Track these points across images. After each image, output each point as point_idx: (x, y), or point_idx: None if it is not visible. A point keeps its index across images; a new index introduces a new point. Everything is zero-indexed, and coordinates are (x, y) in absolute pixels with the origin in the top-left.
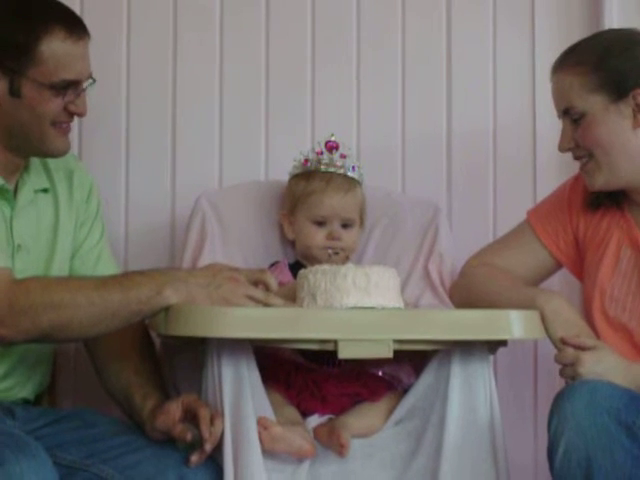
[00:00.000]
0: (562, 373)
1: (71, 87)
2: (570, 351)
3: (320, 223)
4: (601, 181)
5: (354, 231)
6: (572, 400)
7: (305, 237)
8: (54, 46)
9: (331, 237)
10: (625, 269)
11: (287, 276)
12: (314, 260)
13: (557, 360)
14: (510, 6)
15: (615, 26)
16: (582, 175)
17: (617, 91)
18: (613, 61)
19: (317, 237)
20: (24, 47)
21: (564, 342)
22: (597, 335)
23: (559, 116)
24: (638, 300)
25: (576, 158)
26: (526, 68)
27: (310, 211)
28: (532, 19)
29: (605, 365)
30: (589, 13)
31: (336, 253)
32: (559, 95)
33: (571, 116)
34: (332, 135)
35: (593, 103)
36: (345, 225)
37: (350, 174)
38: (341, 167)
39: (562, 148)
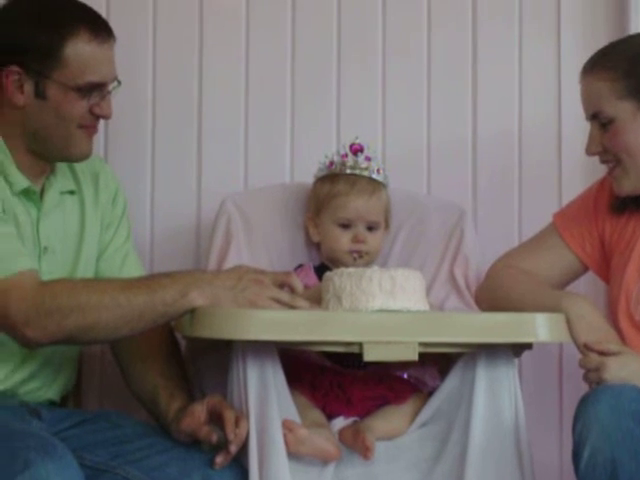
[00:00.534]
0: (586, 378)
1: (96, 89)
2: (594, 356)
3: (345, 226)
4: (629, 186)
5: (379, 234)
6: (597, 404)
7: (330, 240)
8: (79, 48)
9: (356, 240)
10: None
11: (312, 279)
12: (339, 263)
13: (581, 365)
14: (536, 10)
15: None
16: (610, 180)
17: None
18: None
19: (342, 240)
20: (49, 49)
21: (588, 348)
22: (622, 338)
23: (587, 119)
24: None
25: (603, 162)
26: (552, 72)
27: (335, 214)
28: (558, 23)
29: (630, 370)
30: (614, 16)
31: (360, 257)
32: (588, 99)
33: (600, 120)
34: (357, 138)
35: (622, 109)
36: (370, 228)
37: (375, 177)
38: (365, 169)
39: (589, 152)
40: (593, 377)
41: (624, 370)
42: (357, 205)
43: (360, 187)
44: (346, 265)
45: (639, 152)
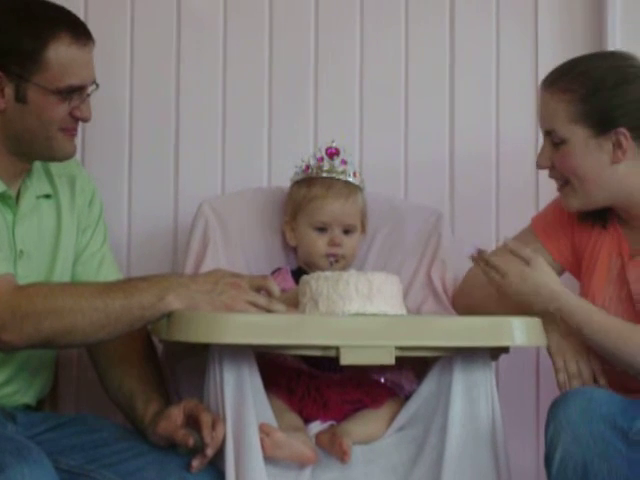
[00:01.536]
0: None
1: (76, 92)
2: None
3: (321, 229)
4: (576, 204)
5: (355, 237)
6: (567, 408)
7: (306, 244)
8: (60, 52)
9: (332, 243)
10: (615, 278)
11: (290, 282)
12: (315, 267)
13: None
14: (513, 24)
15: (618, 45)
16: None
17: (600, 126)
18: (601, 96)
19: (318, 243)
20: (30, 53)
21: (511, 249)
22: None
23: (542, 132)
24: (626, 309)
25: (551, 177)
26: (529, 75)
27: (311, 217)
28: (535, 38)
29: (529, 284)
30: (592, 35)
31: (337, 261)
32: (543, 115)
33: (552, 138)
34: (332, 141)
35: (574, 133)
36: (346, 231)
37: (351, 180)
38: (342, 173)
39: (540, 165)
40: (493, 276)
41: (524, 283)
42: (333, 208)
43: (336, 190)
44: (322, 269)
45: (587, 176)
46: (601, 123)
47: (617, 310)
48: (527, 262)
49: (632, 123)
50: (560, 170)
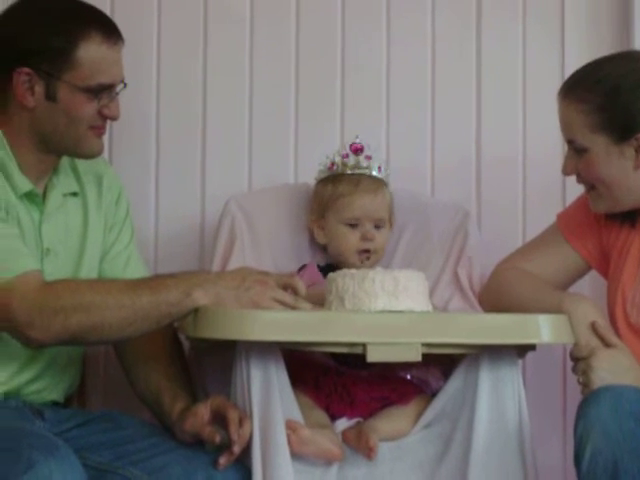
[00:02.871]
0: (574, 369)
1: (106, 91)
2: (586, 346)
3: (352, 225)
4: (604, 208)
5: (385, 232)
6: (597, 405)
7: (338, 240)
8: (91, 50)
9: (365, 237)
10: None
11: (317, 276)
12: (346, 264)
13: (572, 354)
14: (539, 25)
15: None
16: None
17: (620, 133)
18: (618, 104)
19: (351, 239)
20: (61, 51)
21: (594, 327)
22: (620, 339)
23: (565, 140)
24: None
25: (578, 182)
26: (556, 75)
27: (342, 214)
28: (562, 39)
29: (618, 365)
30: (619, 36)
31: (368, 258)
32: (563, 124)
33: (574, 147)
34: (357, 137)
35: (595, 142)
36: (377, 226)
37: (376, 174)
38: (367, 168)
39: (565, 173)
40: (581, 365)
41: (612, 363)
42: (363, 203)
43: (364, 186)
44: (354, 266)
45: (612, 183)
46: (621, 130)
47: None
48: (610, 346)
49: None
50: (585, 178)
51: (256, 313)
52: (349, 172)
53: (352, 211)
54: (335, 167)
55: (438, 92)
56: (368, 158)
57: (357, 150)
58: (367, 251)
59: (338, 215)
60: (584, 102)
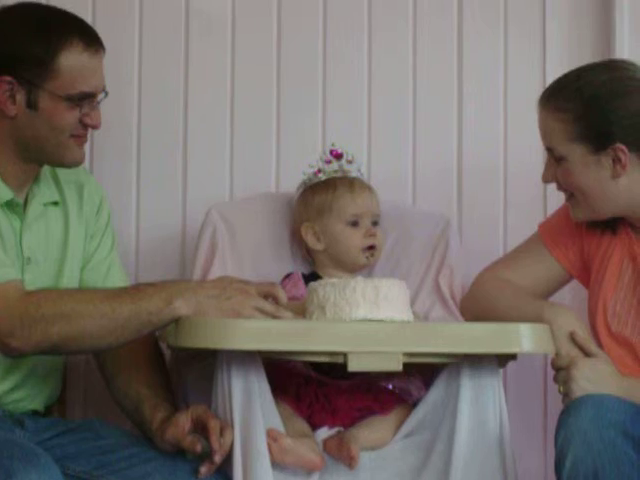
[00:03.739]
0: (556, 378)
1: (87, 99)
2: (566, 355)
3: (354, 224)
4: (583, 216)
5: (381, 229)
6: (578, 414)
7: (342, 241)
8: (72, 59)
9: (368, 234)
10: (627, 284)
11: (301, 289)
12: (351, 265)
13: (553, 364)
14: (521, 34)
15: (626, 54)
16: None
17: (598, 143)
18: (595, 115)
19: (355, 237)
20: (42, 60)
21: (573, 337)
22: (600, 348)
23: (544, 148)
24: (638, 314)
25: (559, 190)
26: (537, 84)
27: (343, 214)
28: (543, 48)
29: (599, 373)
30: (600, 45)
31: (372, 255)
32: (543, 132)
33: (553, 155)
34: (333, 144)
35: (573, 151)
36: (375, 222)
37: (358, 175)
38: (350, 171)
39: (545, 180)
40: (562, 375)
41: (593, 373)
42: (362, 200)
43: (358, 185)
44: (359, 266)
45: (589, 192)
46: (598, 140)
47: (628, 315)
48: (591, 356)
49: (629, 137)
50: (563, 185)
51: (237, 322)
52: (338, 176)
53: (354, 209)
54: (321, 174)
55: (419, 101)
56: (349, 162)
57: (338, 156)
58: (372, 247)
59: (340, 216)
60: (563, 111)
